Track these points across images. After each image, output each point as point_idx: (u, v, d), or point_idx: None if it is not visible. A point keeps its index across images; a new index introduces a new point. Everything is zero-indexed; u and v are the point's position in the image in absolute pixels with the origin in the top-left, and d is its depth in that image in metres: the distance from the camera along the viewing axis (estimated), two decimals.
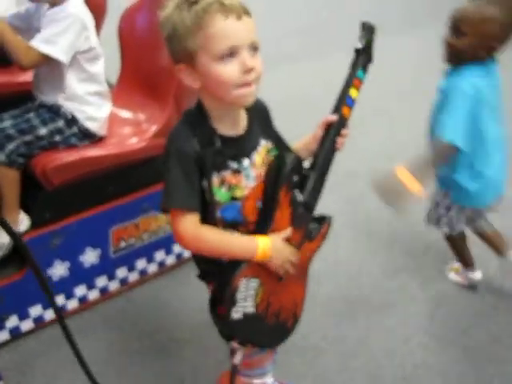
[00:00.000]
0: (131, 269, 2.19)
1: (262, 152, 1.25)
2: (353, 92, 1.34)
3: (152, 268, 2.24)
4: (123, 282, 2.19)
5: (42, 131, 1.88)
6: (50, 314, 2.05)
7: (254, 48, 1.09)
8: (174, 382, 1.82)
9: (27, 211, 2.03)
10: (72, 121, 1.93)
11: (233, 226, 1.22)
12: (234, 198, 1.19)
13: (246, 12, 1.08)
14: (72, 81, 1.92)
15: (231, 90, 1.09)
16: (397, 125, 3.47)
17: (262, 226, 1.23)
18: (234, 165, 1.19)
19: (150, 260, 2.22)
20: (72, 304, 2.10)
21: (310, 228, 1.32)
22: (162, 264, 2.26)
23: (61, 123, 1.92)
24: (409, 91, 3.83)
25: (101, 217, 2.03)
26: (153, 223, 2.16)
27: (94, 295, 2.14)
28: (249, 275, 1.21)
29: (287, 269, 1.24)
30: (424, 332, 1.98)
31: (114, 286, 2.17)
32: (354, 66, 1.34)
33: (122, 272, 2.17)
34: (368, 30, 1.35)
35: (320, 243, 1.35)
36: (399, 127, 3.43)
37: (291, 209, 1.23)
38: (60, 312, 1.29)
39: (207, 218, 1.20)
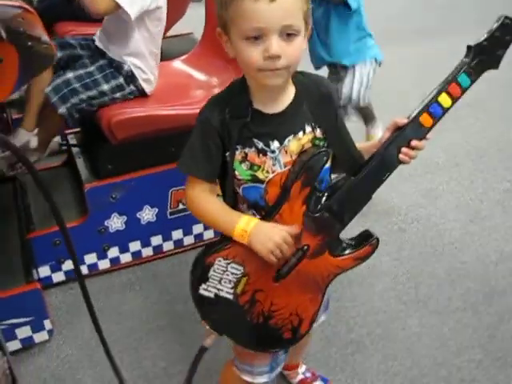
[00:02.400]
0: (187, 232, 2.19)
1: (304, 139, 1.11)
2: (444, 99, 1.11)
3: (208, 234, 2.23)
4: (178, 243, 2.20)
5: (105, 87, 1.91)
6: (104, 264, 2.12)
7: (288, 33, 0.97)
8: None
9: (91, 162, 2.08)
10: (132, 78, 1.95)
11: (255, 207, 1.15)
12: (256, 179, 1.11)
13: None
14: (137, 38, 1.92)
15: (254, 71, 1.00)
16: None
17: (265, 215, 1.13)
18: (259, 144, 1.09)
19: (206, 226, 2.20)
20: (125, 258, 2.14)
21: (337, 240, 1.17)
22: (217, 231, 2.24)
23: (121, 80, 1.94)
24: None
25: (161, 176, 2.03)
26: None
27: (147, 252, 2.17)
28: (229, 258, 1.13)
29: (272, 261, 1.10)
30: (480, 347, 1.82)
31: (168, 246, 2.19)
32: (457, 68, 1.11)
33: (177, 234, 2.18)
34: (506, 28, 1.08)
35: (352, 264, 1.18)
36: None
37: (305, 208, 1.11)
38: (80, 273, 1.30)
39: (228, 192, 1.14)
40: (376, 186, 1.16)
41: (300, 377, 1.69)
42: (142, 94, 2.02)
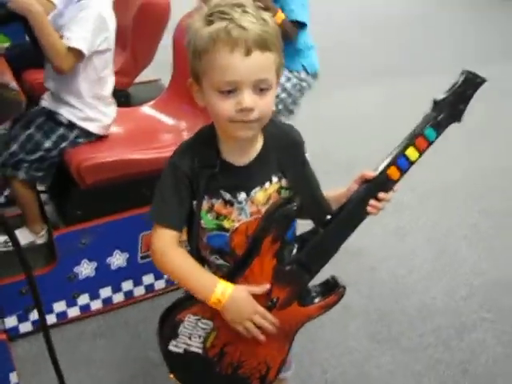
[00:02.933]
0: (158, 276, 2.17)
1: (270, 189, 1.13)
2: (411, 152, 1.13)
3: None
4: (149, 288, 2.17)
5: (47, 144, 1.92)
6: (74, 312, 2.08)
7: (260, 87, 0.99)
8: None
9: (60, 207, 2.07)
10: (70, 125, 1.95)
11: (219, 253, 1.16)
12: (221, 228, 1.12)
13: (261, 45, 0.96)
14: (81, 77, 1.91)
15: (226, 123, 1.02)
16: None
17: (235, 269, 1.13)
18: (226, 195, 1.10)
19: None
20: (96, 305, 2.10)
21: (305, 291, 1.18)
22: None
23: (62, 130, 1.94)
24: None
25: (131, 221, 2.02)
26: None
27: (118, 298, 2.14)
28: (199, 314, 1.14)
29: (248, 328, 1.11)
30: (454, 383, 1.83)
31: (139, 291, 2.16)
32: (424, 121, 1.13)
33: (148, 278, 2.16)
34: (468, 83, 1.12)
35: (320, 312, 1.20)
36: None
37: (275, 262, 1.11)
38: (45, 323, 1.29)
39: (193, 238, 1.15)
40: (344, 238, 1.17)
41: None
42: (88, 136, 1.99)
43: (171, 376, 1.23)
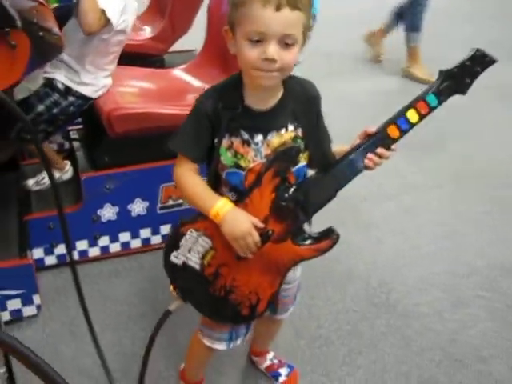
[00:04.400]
0: None
1: (285, 136, 1.23)
2: (411, 114, 1.22)
3: None
4: (165, 238, 2.31)
5: (40, 108, 2.06)
6: (94, 252, 2.25)
7: (286, 41, 1.08)
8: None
9: (90, 154, 2.23)
10: (67, 90, 2.08)
11: (235, 190, 1.27)
12: (238, 166, 1.23)
13: (292, 3, 1.06)
14: (90, 48, 2.05)
15: (251, 70, 1.13)
16: None
17: (238, 197, 1.25)
18: (245, 135, 1.22)
19: None
20: (115, 247, 2.27)
21: (301, 230, 1.28)
22: None
23: (56, 96, 2.08)
24: None
25: (154, 172, 2.17)
26: None
27: (136, 244, 2.29)
28: (200, 230, 1.26)
29: (241, 246, 1.21)
30: (441, 350, 1.92)
31: (156, 239, 2.32)
32: (427, 88, 1.22)
33: (165, 229, 2.31)
34: (477, 59, 1.20)
35: (312, 254, 1.29)
36: None
37: (274, 195, 1.22)
38: (73, 259, 1.45)
39: (212, 175, 1.27)
40: (340, 185, 1.27)
41: (268, 363, 1.79)
42: (84, 100, 2.12)
43: (171, 289, 1.35)
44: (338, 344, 1.93)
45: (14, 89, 1.96)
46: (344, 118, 3.26)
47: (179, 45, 3.20)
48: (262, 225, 1.23)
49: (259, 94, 1.21)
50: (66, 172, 2.29)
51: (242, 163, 1.22)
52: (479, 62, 1.20)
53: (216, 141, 1.22)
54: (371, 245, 2.46)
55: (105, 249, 2.25)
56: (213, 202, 1.21)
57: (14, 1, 1.43)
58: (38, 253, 2.13)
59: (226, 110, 1.20)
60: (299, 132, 1.25)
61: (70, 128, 2.51)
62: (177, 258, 1.29)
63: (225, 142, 1.22)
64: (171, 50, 3.26)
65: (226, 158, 1.23)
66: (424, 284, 2.23)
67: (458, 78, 1.22)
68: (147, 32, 3.16)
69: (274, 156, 1.21)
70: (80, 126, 2.49)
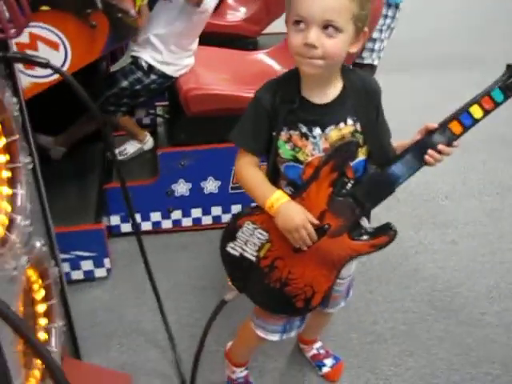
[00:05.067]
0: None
1: (345, 130, 1.22)
2: (475, 110, 1.17)
3: None
4: None
5: (124, 83, 2.18)
6: (167, 224, 2.36)
7: (326, 26, 1.08)
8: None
9: (169, 131, 2.34)
10: (150, 69, 2.18)
11: (293, 185, 1.28)
12: (296, 159, 1.24)
13: None
14: (174, 28, 2.14)
15: (295, 56, 1.14)
16: None
17: (295, 191, 1.26)
18: (303, 128, 1.22)
19: None
20: (186, 222, 2.37)
21: (357, 225, 1.27)
22: None
23: (139, 74, 2.19)
24: None
25: (227, 152, 2.19)
26: None
27: (206, 220, 2.38)
28: (257, 223, 1.27)
29: (295, 239, 1.23)
30: (501, 364, 1.81)
31: (226, 218, 2.39)
32: (493, 83, 1.17)
33: (236, 208, 2.37)
34: None
35: (367, 250, 1.28)
36: None
37: (331, 190, 1.22)
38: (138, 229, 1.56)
39: (272, 168, 1.28)
40: (398, 182, 1.24)
41: (314, 352, 1.80)
42: (165, 78, 2.23)
43: (228, 282, 1.39)
44: (391, 343, 1.88)
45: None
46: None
47: (273, 27, 3.22)
48: (316, 221, 1.23)
49: (315, 85, 1.20)
50: (146, 142, 2.42)
51: (301, 157, 1.23)
52: None
53: (274, 134, 1.24)
54: (445, 245, 2.35)
55: (177, 222, 2.36)
56: (269, 193, 1.23)
57: None
58: (115, 220, 2.29)
59: (283, 104, 1.21)
60: (358, 126, 1.23)
61: (157, 104, 2.64)
62: (233, 249, 1.33)
63: (283, 135, 1.23)
64: (265, 31, 3.29)
65: (285, 151, 1.24)
66: (496, 293, 2.10)
67: None
68: (241, 13, 3.21)
69: (332, 150, 1.20)
70: (166, 103, 2.60)
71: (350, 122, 1.22)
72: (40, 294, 1.40)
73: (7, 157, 1.19)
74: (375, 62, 2.68)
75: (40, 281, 1.39)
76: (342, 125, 1.22)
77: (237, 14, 3.20)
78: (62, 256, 1.98)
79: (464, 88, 2.95)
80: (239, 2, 3.35)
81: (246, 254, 1.32)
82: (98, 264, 2.07)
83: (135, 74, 2.19)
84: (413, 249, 2.32)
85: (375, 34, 2.58)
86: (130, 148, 2.43)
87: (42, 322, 1.42)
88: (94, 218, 2.07)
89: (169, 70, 2.21)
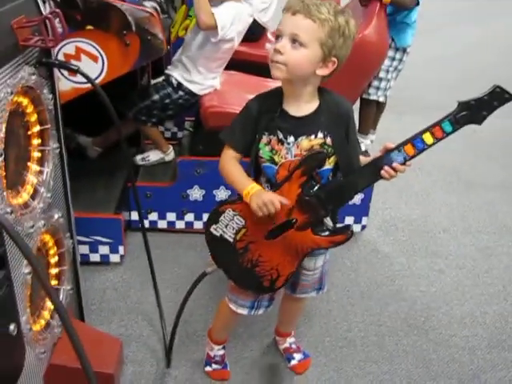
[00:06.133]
0: None
1: (314, 141, 1.45)
2: (427, 137, 1.37)
3: None
4: None
5: (155, 97, 2.49)
6: (180, 225, 2.64)
7: (294, 39, 1.35)
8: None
9: (190, 141, 2.63)
10: (179, 86, 2.49)
11: (269, 182, 1.54)
12: (273, 161, 1.50)
13: (307, 13, 1.33)
14: (203, 52, 2.44)
15: (269, 61, 1.41)
16: None
17: (271, 189, 1.51)
18: (280, 134, 1.48)
19: None
20: (198, 225, 2.64)
21: (321, 223, 1.50)
22: None
23: (169, 89, 2.49)
24: None
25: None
26: None
27: None
28: (237, 210, 1.53)
29: (263, 213, 1.44)
30: (459, 381, 1.96)
31: None
32: (445, 116, 1.36)
33: None
34: (495, 96, 1.31)
35: (327, 244, 1.53)
36: None
37: (300, 190, 1.45)
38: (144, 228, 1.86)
39: (254, 166, 1.55)
40: (357, 189, 1.50)
41: (286, 345, 2.00)
42: (191, 95, 2.53)
43: (210, 258, 1.65)
44: (360, 349, 2.07)
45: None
46: None
47: None
48: (286, 200, 1.46)
49: (293, 100, 1.47)
50: (168, 154, 2.73)
51: (276, 158, 1.49)
52: (498, 97, 1.32)
53: (257, 136, 1.50)
54: (431, 273, 2.52)
55: (189, 224, 2.64)
56: (246, 184, 1.49)
57: (132, 11, 1.85)
58: (135, 215, 2.58)
59: (267, 113, 1.48)
60: (328, 140, 1.47)
61: (186, 118, 2.96)
62: (216, 230, 1.58)
63: (264, 139, 1.49)
64: None
65: (264, 152, 1.50)
66: (469, 319, 2.26)
67: (475, 110, 1.35)
68: None
69: (304, 157, 1.45)
70: (193, 118, 2.92)
71: (320, 135, 1.47)
72: (54, 259, 1.70)
73: (39, 141, 1.51)
74: (380, 99, 2.92)
75: (55, 247, 1.69)
76: (312, 136, 1.46)
77: None
78: (84, 239, 2.31)
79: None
80: None
81: (225, 236, 1.56)
82: (114, 250, 2.36)
83: (166, 89, 2.51)
84: (400, 272, 2.51)
85: (382, 74, 2.82)
86: (153, 156, 2.74)
87: (53, 282, 1.72)
88: (114, 210, 2.37)
89: (195, 88, 2.51)
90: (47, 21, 1.26)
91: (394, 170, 1.42)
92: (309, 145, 1.47)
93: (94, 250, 2.35)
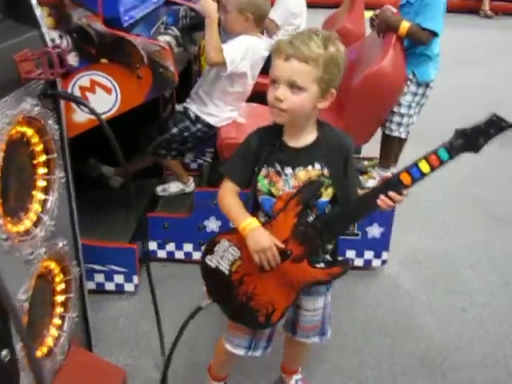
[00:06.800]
0: None
1: (311, 172, 1.45)
2: (423, 165, 1.34)
3: None
4: None
5: (174, 130, 2.53)
6: (197, 256, 2.64)
7: (292, 85, 1.35)
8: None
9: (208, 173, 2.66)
10: (197, 119, 2.52)
11: (267, 215, 1.53)
12: (271, 193, 1.49)
13: (300, 57, 1.33)
14: (218, 85, 2.47)
15: (269, 106, 1.42)
16: None
17: (267, 219, 1.50)
18: (277, 166, 1.48)
19: None
20: None
21: (316, 254, 1.48)
22: None
23: (187, 122, 2.53)
24: None
25: None
26: None
27: None
28: (232, 241, 1.51)
29: (261, 259, 1.43)
30: None
31: None
32: (442, 144, 1.34)
33: None
34: (492, 124, 1.30)
35: (324, 277, 1.48)
36: None
37: (296, 220, 1.44)
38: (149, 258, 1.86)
39: (253, 200, 1.54)
40: (354, 219, 1.51)
41: (292, 382, 1.95)
42: (209, 128, 2.55)
43: (204, 289, 1.63)
44: None
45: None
46: None
47: None
48: (281, 245, 1.45)
49: (292, 133, 1.47)
50: (188, 186, 2.76)
51: (274, 191, 1.48)
52: (495, 125, 1.30)
53: (256, 169, 1.50)
54: (453, 310, 2.42)
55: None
56: (243, 218, 1.49)
57: (144, 45, 1.90)
58: (152, 245, 2.60)
59: (267, 145, 1.49)
60: (325, 172, 1.47)
61: (207, 150, 3.00)
62: (211, 261, 1.57)
63: (263, 171, 1.50)
64: None
65: (263, 184, 1.50)
66: (491, 361, 2.14)
67: (472, 138, 1.32)
68: None
69: (300, 187, 1.45)
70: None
71: (317, 166, 1.46)
72: (60, 286, 1.72)
73: (45, 170, 1.55)
74: (402, 136, 2.86)
75: (61, 275, 1.72)
76: (309, 167, 1.46)
77: None
78: (99, 267, 2.34)
79: (494, 162, 3.04)
80: None
81: (220, 267, 1.55)
82: (128, 279, 2.38)
83: (184, 122, 2.55)
84: (420, 309, 2.42)
85: (403, 110, 2.78)
86: (173, 187, 2.78)
87: (59, 310, 1.74)
88: (130, 239, 2.40)
89: (212, 121, 2.54)
90: (51, 54, 1.31)
91: (391, 199, 1.39)
92: (306, 176, 1.46)
93: (109, 278, 2.37)
